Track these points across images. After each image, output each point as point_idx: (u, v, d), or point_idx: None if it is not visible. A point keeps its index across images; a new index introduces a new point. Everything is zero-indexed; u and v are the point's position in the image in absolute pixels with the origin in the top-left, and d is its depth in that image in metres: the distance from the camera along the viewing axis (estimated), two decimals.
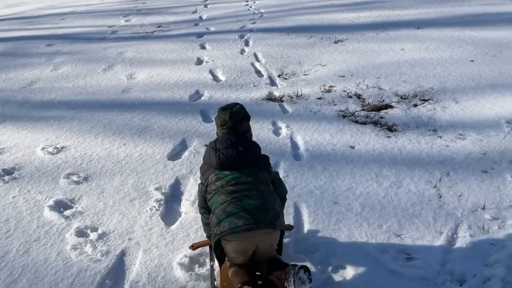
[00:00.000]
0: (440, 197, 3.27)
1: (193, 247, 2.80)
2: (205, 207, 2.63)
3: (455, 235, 2.88)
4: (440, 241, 2.82)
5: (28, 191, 3.56)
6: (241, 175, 2.50)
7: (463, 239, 2.84)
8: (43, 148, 4.26)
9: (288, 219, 3.06)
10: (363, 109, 4.87)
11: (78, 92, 5.88)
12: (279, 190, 2.66)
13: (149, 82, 6.07)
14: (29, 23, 11.21)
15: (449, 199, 3.24)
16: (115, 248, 2.88)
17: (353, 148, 4.02)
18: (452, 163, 3.69)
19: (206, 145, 2.75)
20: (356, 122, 4.56)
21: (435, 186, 3.39)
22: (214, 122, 2.82)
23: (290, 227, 2.91)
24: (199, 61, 6.91)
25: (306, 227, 3.02)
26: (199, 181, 2.74)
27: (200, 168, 2.76)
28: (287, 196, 2.80)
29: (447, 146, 3.98)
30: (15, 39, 9.21)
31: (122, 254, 2.84)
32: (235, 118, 2.64)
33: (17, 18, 12.18)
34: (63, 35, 9.40)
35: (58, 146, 4.30)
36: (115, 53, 7.63)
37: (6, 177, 3.76)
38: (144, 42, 8.31)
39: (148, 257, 2.79)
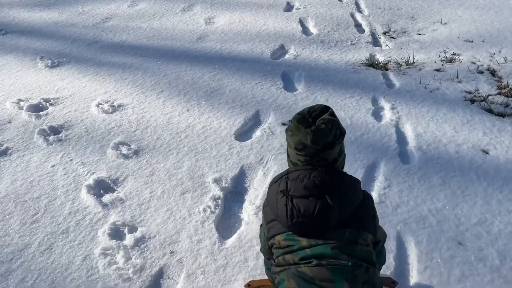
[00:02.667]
0: None
1: (250, 286, 2.04)
2: (270, 257, 1.78)
3: None
4: None
5: (71, 160, 3.00)
6: (327, 250, 1.53)
7: None
8: (98, 104, 3.68)
9: (388, 261, 2.16)
10: (499, 93, 3.61)
11: (151, 35, 5.20)
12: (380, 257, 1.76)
13: (228, 29, 5.20)
14: None
15: None
16: (152, 264, 2.22)
17: (487, 153, 2.89)
18: None
19: (275, 178, 1.72)
20: (491, 111, 3.35)
21: None
22: (285, 137, 1.75)
23: (392, 284, 2.01)
24: (289, 7, 5.85)
25: (413, 277, 2.10)
26: (261, 224, 1.82)
27: (263, 209, 1.77)
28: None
29: None
30: None
31: (160, 274, 2.17)
32: (322, 142, 1.58)
33: None
34: None
35: (115, 103, 3.69)
36: None
37: (51, 137, 3.24)
38: None
39: (190, 286, 2.09)
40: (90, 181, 2.77)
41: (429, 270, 2.12)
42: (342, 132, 1.65)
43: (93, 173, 2.86)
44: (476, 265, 2.13)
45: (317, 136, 1.58)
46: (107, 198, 2.65)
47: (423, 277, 2.09)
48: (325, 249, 1.53)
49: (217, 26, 5.33)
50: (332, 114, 1.66)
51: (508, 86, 3.65)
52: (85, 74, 4.26)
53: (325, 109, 1.67)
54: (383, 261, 1.87)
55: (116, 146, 3.12)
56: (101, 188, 2.74)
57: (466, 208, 2.46)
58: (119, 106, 3.65)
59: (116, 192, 2.71)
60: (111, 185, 2.77)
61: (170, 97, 3.75)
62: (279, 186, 1.66)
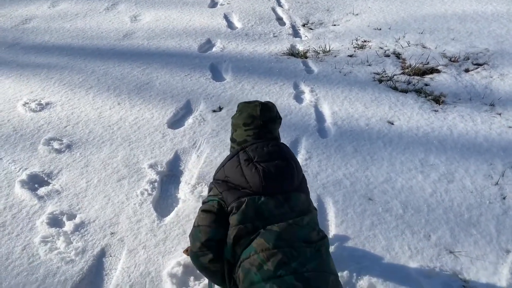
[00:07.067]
0: (504, 198, 2.60)
1: (188, 251, 2.23)
2: (209, 244, 1.70)
3: None
4: (507, 264, 2.19)
5: (0, 159, 2.98)
6: (291, 208, 1.68)
7: None
8: (25, 104, 3.64)
9: None
10: (403, 73, 4.08)
11: (75, 34, 5.15)
12: None
13: (154, 26, 5.29)
14: None
15: None
16: (94, 246, 2.32)
17: (392, 124, 3.30)
18: None
19: (226, 158, 1.86)
20: (395, 89, 3.79)
21: (497, 183, 2.71)
22: (231, 123, 1.97)
23: None
24: (213, 3, 6.05)
25: (332, 230, 2.41)
26: (206, 199, 1.83)
27: (213, 185, 1.84)
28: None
29: (510, 127, 3.24)
30: None
31: (102, 254, 2.29)
32: (268, 114, 1.85)
33: None
34: None
35: (42, 101, 3.67)
36: None
37: None
38: None
39: (132, 261, 2.24)
40: (23, 176, 2.79)
41: (345, 223, 2.43)
42: (280, 116, 1.96)
43: (26, 169, 2.88)
44: (384, 215, 2.48)
45: (264, 108, 1.87)
46: (42, 191, 2.70)
47: (340, 230, 2.40)
48: (288, 209, 1.70)
49: (143, 23, 5.40)
50: (273, 104, 1.97)
51: (410, 66, 4.13)
52: (7, 76, 4.16)
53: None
54: None
55: (48, 142, 3.14)
56: (35, 182, 2.77)
57: (374, 170, 2.82)
58: (47, 104, 3.64)
59: (51, 185, 2.75)
60: (46, 178, 2.80)
61: (100, 92, 3.80)
62: (240, 158, 1.78)
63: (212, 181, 1.89)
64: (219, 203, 1.74)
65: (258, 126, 1.84)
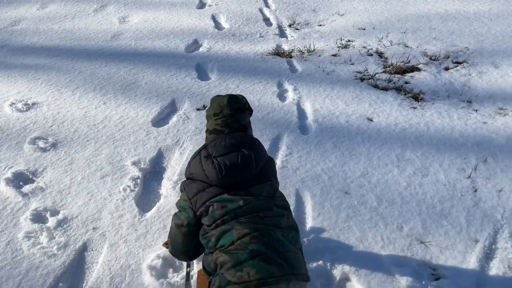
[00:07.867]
0: (476, 191, 2.68)
1: (167, 244, 2.29)
2: (188, 255, 1.97)
3: (493, 245, 2.33)
4: (475, 253, 2.27)
5: None
6: (256, 199, 1.78)
7: (504, 252, 2.28)
8: (12, 104, 3.69)
9: None
10: (384, 71, 4.17)
11: (63, 36, 5.20)
12: None
13: (142, 27, 5.35)
14: None
15: (486, 194, 2.65)
16: (76, 240, 2.38)
17: (371, 120, 3.38)
18: (490, 147, 3.06)
19: (194, 154, 1.95)
20: (376, 87, 3.88)
21: (469, 176, 2.79)
22: (206, 115, 2.07)
23: None
24: (202, 4, 6.12)
25: (309, 223, 2.48)
26: (179, 206, 1.94)
27: (183, 187, 1.92)
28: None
29: (485, 123, 3.33)
30: None
31: (83, 248, 2.35)
32: (235, 105, 1.96)
33: None
34: None
35: (29, 101, 3.72)
36: None
37: None
38: None
39: (113, 254, 2.29)
40: (8, 174, 2.84)
41: (321, 216, 2.50)
42: (251, 108, 2.06)
43: (11, 167, 2.93)
44: (359, 208, 2.56)
45: (231, 99, 1.98)
46: (27, 188, 2.75)
47: (317, 222, 2.47)
48: (253, 198, 1.79)
49: (131, 24, 5.45)
50: (243, 96, 2.08)
51: (392, 65, 4.22)
52: None
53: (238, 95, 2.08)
54: None
55: (33, 141, 3.19)
56: (20, 180, 2.82)
57: (352, 165, 2.90)
58: (34, 104, 3.69)
59: (35, 182, 2.81)
60: (30, 176, 2.86)
61: (86, 92, 3.86)
62: (201, 155, 1.89)
63: (183, 180, 1.98)
64: (185, 217, 1.88)
65: (226, 115, 1.95)
